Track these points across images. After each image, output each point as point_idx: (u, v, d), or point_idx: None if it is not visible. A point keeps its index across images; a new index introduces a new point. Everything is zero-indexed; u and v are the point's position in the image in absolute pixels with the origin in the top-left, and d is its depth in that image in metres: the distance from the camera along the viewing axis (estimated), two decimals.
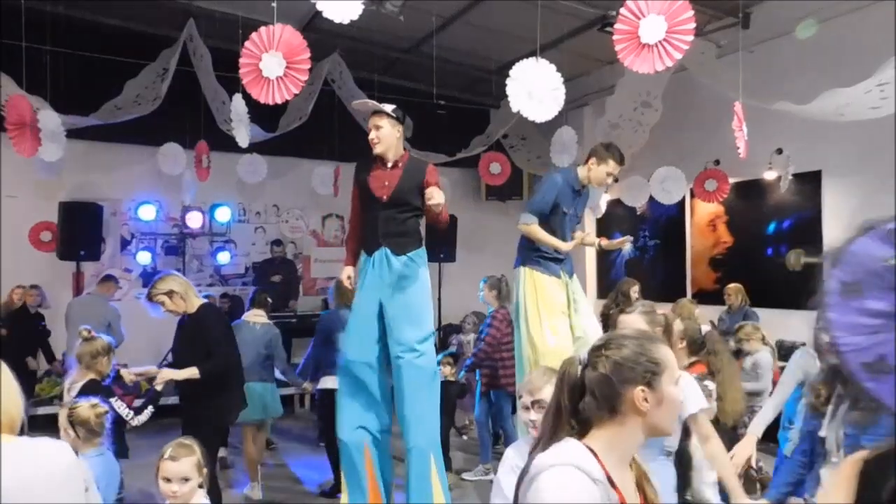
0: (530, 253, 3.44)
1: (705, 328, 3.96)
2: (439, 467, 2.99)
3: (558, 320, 3.33)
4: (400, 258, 2.95)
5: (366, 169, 3.05)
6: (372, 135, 2.97)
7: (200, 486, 2.08)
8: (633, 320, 2.19)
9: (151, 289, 3.20)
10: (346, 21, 2.91)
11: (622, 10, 3.21)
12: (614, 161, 3.34)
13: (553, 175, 3.49)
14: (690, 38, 3.12)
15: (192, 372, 3.07)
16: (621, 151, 3.46)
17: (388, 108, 2.98)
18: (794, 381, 2.71)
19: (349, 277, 3.14)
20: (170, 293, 3.15)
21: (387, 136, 2.95)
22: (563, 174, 3.47)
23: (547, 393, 1.60)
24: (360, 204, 3.11)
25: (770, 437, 3.00)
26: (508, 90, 3.48)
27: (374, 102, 3.01)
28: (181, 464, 2.01)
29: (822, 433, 1.95)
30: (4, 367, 1.41)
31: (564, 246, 3.35)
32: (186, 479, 2.01)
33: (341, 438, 3.01)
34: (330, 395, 3.94)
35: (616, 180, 3.53)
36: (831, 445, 1.91)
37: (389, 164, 3.01)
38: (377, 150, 2.98)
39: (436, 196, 2.83)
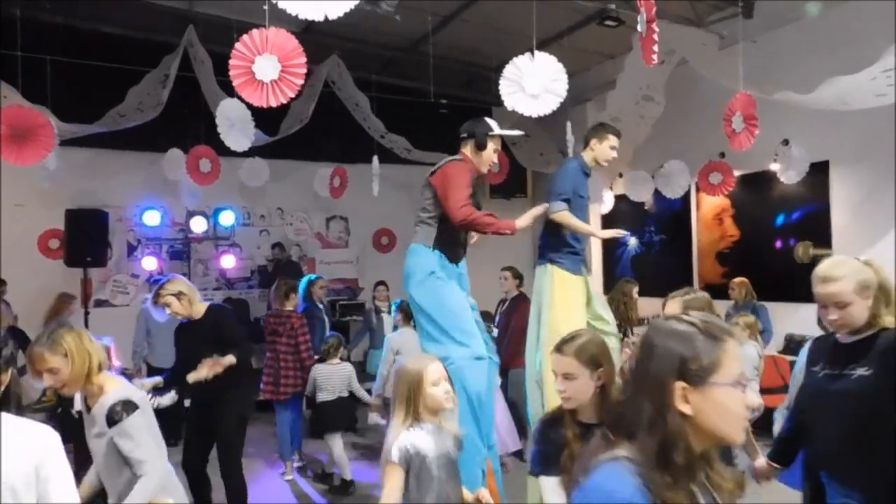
0: (556, 250, 3.42)
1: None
2: None
3: (578, 318, 3.34)
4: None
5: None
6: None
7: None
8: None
9: (160, 290, 3.30)
10: (320, 18, 2.74)
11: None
12: (613, 135, 3.42)
13: (567, 162, 3.60)
14: (649, 17, 3.18)
15: (231, 360, 3.24)
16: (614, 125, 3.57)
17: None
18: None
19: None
20: (178, 294, 3.28)
21: None
22: (575, 160, 3.55)
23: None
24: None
25: None
26: (501, 89, 3.48)
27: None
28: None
29: None
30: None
31: (600, 233, 3.63)
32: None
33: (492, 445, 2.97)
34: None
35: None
36: None
37: None
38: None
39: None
